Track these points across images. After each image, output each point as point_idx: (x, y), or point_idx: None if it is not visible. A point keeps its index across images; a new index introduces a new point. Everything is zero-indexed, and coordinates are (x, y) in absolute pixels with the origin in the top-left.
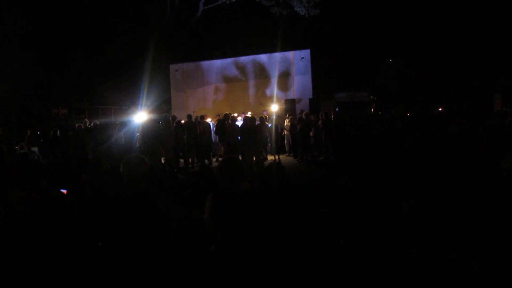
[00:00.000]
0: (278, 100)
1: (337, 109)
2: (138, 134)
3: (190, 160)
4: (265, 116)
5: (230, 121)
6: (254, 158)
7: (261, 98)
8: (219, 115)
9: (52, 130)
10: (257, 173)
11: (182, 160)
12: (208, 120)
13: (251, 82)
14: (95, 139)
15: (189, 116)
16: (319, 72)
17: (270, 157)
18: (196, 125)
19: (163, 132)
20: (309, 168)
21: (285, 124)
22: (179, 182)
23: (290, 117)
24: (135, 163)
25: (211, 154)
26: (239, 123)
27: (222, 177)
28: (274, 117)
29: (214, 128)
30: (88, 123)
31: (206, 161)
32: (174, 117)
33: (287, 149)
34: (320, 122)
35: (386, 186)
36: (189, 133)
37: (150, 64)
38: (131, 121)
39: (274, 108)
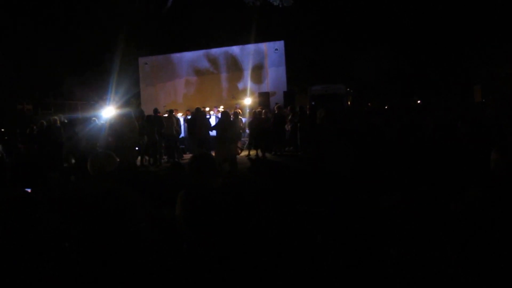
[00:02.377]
0: (252, 93)
1: (313, 103)
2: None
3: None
4: (238, 111)
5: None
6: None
7: (234, 91)
8: (189, 110)
9: (28, 128)
10: (230, 169)
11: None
12: (179, 114)
13: (224, 75)
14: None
15: (155, 111)
16: (294, 64)
17: (244, 153)
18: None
19: (125, 129)
20: (286, 163)
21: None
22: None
23: (263, 110)
24: (102, 160)
25: (178, 150)
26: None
27: (193, 173)
28: (248, 110)
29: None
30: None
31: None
32: (156, 110)
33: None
34: (291, 116)
35: (364, 180)
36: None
37: (119, 57)
38: (97, 117)
39: (248, 101)
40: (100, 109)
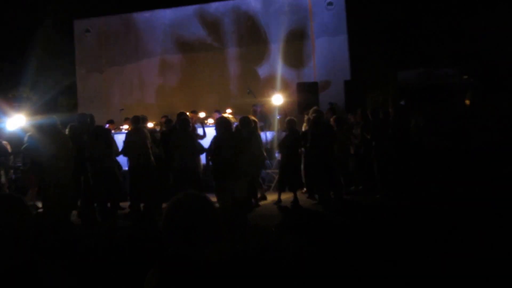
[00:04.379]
0: (285, 84)
1: (402, 102)
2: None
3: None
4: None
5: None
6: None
7: (251, 81)
8: (166, 116)
9: None
10: (241, 228)
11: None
12: (150, 125)
13: (232, 51)
14: None
15: (81, 117)
16: (363, 31)
17: (272, 197)
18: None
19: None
20: (347, 215)
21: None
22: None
23: (309, 116)
24: (4, 211)
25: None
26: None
27: (173, 235)
28: (278, 117)
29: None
30: None
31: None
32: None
33: (304, 180)
34: (361, 128)
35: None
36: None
37: (38, 24)
38: None
39: (277, 100)
40: (1, 117)
